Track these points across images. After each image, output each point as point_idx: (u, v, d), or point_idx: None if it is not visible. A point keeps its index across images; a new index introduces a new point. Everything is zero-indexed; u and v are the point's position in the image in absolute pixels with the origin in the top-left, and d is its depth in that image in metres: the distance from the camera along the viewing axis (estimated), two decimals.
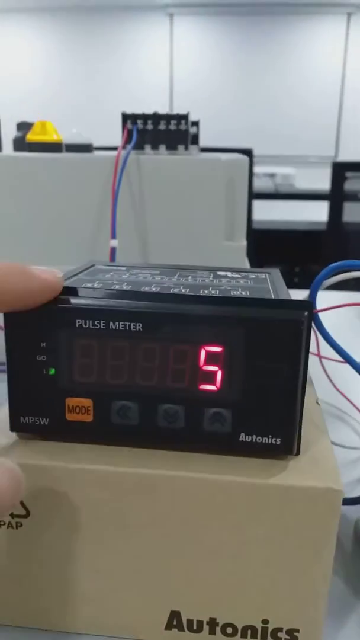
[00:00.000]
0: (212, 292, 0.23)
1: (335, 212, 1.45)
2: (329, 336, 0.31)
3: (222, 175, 0.47)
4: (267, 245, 1.77)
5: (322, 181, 1.94)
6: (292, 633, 0.21)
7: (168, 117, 0.51)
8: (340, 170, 1.42)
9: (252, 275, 0.28)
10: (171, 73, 3.32)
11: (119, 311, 0.20)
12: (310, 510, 0.19)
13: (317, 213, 1.69)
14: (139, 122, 0.50)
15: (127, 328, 0.20)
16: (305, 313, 0.19)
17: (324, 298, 0.30)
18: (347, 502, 0.30)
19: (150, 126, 0.50)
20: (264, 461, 0.21)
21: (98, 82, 3.34)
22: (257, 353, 0.20)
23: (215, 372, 0.20)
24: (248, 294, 0.23)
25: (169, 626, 0.22)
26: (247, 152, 1.36)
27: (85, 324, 0.20)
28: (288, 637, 0.21)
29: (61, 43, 3.32)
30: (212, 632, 0.22)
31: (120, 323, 0.20)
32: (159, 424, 0.21)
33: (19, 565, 0.21)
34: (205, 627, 0.22)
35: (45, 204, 0.48)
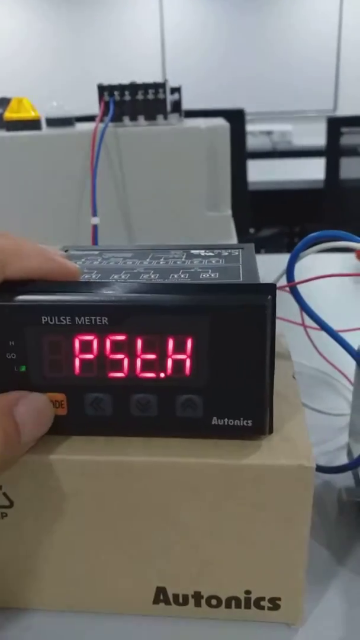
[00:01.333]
0: (182, 276, 0.23)
1: (332, 169, 1.42)
2: (306, 306, 0.31)
3: (203, 144, 0.46)
4: (265, 206, 1.74)
5: (321, 136, 1.90)
6: (274, 601, 0.22)
7: (145, 87, 0.49)
8: (336, 126, 1.38)
9: (225, 253, 0.28)
10: (162, 29, 3.20)
11: (84, 306, 0.20)
12: (283, 488, 0.20)
13: (315, 170, 1.66)
14: (116, 93, 0.49)
15: (93, 322, 0.20)
16: (269, 297, 0.19)
17: (319, 262, 0.30)
18: (332, 470, 0.31)
19: (127, 97, 0.49)
20: (238, 442, 0.21)
21: (86, 49, 3.23)
22: (223, 339, 0.20)
23: (183, 360, 0.20)
24: (217, 275, 0.23)
25: (156, 601, 0.23)
26: (239, 112, 1.33)
27: (52, 321, 0.20)
28: (271, 605, 0.22)
29: (46, 12, 3.20)
30: (197, 604, 0.23)
31: (86, 318, 0.20)
32: (133, 414, 0.21)
33: (7, 551, 0.22)
34: (191, 600, 0.23)
35: (25, 182, 0.47)
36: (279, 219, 1.90)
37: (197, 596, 0.22)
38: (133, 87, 0.49)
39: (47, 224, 0.47)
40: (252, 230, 1.75)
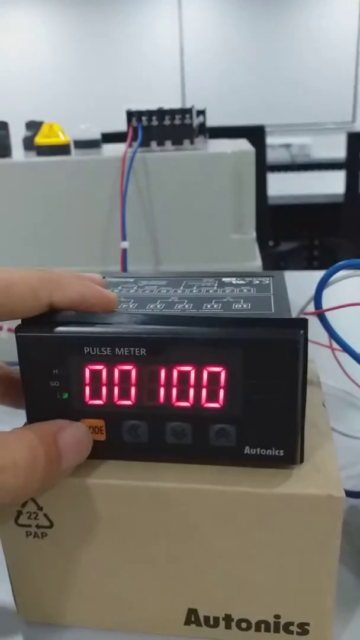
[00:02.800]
0: (215, 306, 0.24)
1: (353, 183, 1.42)
2: (334, 333, 0.31)
3: (229, 168, 0.47)
4: (284, 221, 1.75)
5: (340, 149, 1.90)
6: (303, 626, 0.23)
7: (172, 112, 0.51)
8: (356, 140, 1.38)
9: (256, 282, 0.28)
10: (181, 41, 3.24)
11: (124, 338, 0.21)
12: (313, 517, 0.20)
13: (335, 184, 1.66)
14: (144, 118, 0.51)
15: (132, 353, 0.21)
16: (301, 332, 0.20)
17: (349, 285, 0.30)
18: (359, 495, 0.31)
19: (155, 122, 0.51)
20: (269, 470, 0.22)
21: (106, 65, 3.29)
22: (257, 371, 0.21)
23: (217, 390, 0.21)
24: (249, 306, 0.24)
25: (187, 622, 0.23)
26: (259, 129, 1.34)
27: (93, 351, 0.21)
28: (300, 630, 0.23)
29: (69, 29, 3.27)
30: (228, 626, 0.23)
31: (125, 349, 0.21)
32: (168, 441, 0.22)
33: (45, 570, 0.23)
34: (222, 623, 0.23)
35: (55, 207, 0.49)
36: (298, 232, 1.90)
37: (228, 619, 0.23)
38: (160, 113, 0.50)
39: (76, 248, 0.49)
40: (271, 243, 1.76)
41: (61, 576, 0.23)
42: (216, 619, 0.23)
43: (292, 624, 0.23)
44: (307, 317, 0.31)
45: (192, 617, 0.23)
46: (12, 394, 0.25)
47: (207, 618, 0.23)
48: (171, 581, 0.23)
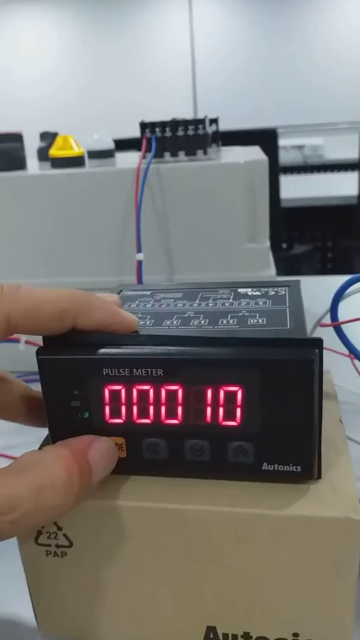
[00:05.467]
0: (231, 321, 0.24)
1: None
2: (351, 345, 0.31)
3: (242, 178, 0.47)
4: (297, 223, 1.74)
5: (353, 148, 1.88)
6: None
7: (186, 123, 0.51)
8: None
9: (272, 292, 0.28)
10: (192, 43, 3.25)
11: (141, 359, 0.21)
12: (331, 538, 0.20)
13: (348, 185, 1.65)
14: (157, 130, 0.51)
15: (150, 373, 0.21)
16: (316, 351, 0.20)
17: (355, 301, 0.30)
18: None
19: (168, 133, 0.51)
20: (286, 487, 0.22)
21: (117, 68, 3.30)
22: (273, 390, 0.21)
23: (234, 409, 0.21)
24: (264, 321, 0.24)
25: (206, 639, 0.24)
26: (271, 132, 1.34)
27: (112, 372, 0.21)
28: None
29: (79, 34, 3.30)
30: None
31: (143, 370, 0.21)
32: (187, 458, 0.22)
33: (65, 587, 0.24)
34: None
35: (70, 218, 0.49)
36: (311, 234, 1.89)
37: (247, 637, 0.23)
38: (174, 124, 0.51)
39: (91, 259, 0.49)
40: (284, 246, 1.76)
41: (80, 593, 0.24)
42: (235, 637, 0.23)
43: None
44: (324, 327, 0.31)
45: (210, 634, 0.23)
46: (34, 413, 0.25)
47: (225, 636, 0.23)
48: (190, 599, 0.23)
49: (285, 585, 0.22)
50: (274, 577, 0.22)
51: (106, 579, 0.23)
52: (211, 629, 0.23)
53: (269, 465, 0.22)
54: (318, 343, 0.21)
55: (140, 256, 0.44)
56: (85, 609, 0.24)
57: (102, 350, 0.21)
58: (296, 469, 0.22)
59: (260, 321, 0.24)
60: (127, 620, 0.24)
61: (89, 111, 3.21)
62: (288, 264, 1.65)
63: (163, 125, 0.50)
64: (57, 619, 0.25)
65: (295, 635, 0.23)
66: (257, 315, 0.25)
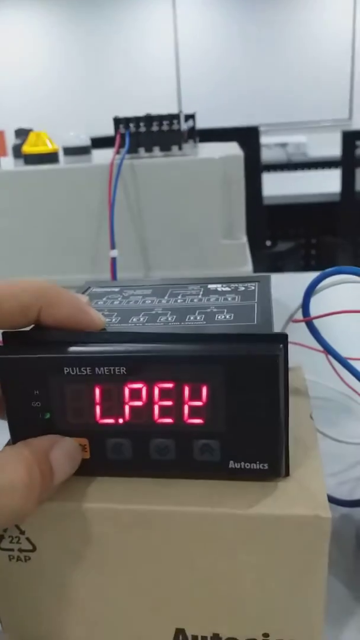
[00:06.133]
0: (198, 317, 0.24)
1: (348, 182, 1.41)
2: (322, 340, 0.31)
3: (217, 173, 0.46)
4: (281, 220, 1.75)
5: (336, 146, 1.89)
6: None
7: (160, 118, 0.51)
8: (351, 138, 1.38)
9: (242, 288, 0.28)
10: (176, 44, 3.24)
11: (103, 357, 0.21)
12: (300, 537, 0.20)
13: (331, 183, 1.66)
14: (132, 125, 0.50)
15: (112, 372, 0.21)
16: (280, 346, 0.20)
17: (341, 290, 0.30)
18: (351, 503, 0.31)
19: (143, 129, 0.50)
20: (254, 485, 0.21)
21: (101, 65, 3.28)
22: (238, 386, 0.20)
23: (199, 407, 0.21)
24: (232, 317, 0.24)
25: None
26: (253, 130, 1.34)
27: (73, 371, 0.21)
28: None
29: (62, 26, 3.27)
30: None
31: (105, 368, 0.21)
32: (152, 457, 0.22)
33: (30, 592, 0.23)
34: None
35: (44, 215, 0.48)
36: (295, 232, 1.90)
37: (216, 638, 0.23)
38: (148, 119, 0.50)
39: (65, 256, 0.49)
40: (268, 243, 1.76)
41: (46, 598, 0.23)
42: (204, 639, 0.23)
43: None
44: (297, 323, 0.31)
45: (179, 637, 0.23)
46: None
47: (195, 637, 0.23)
48: (158, 602, 0.22)
49: (254, 585, 0.21)
50: (242, 577, 0.21)
51: (71, 583, 0.23)
52: (180, 631, 0.23)
53: (236, 464, 0.21)
54: (282, 338, 0.20)
55: (114, 253, 0.44)
56: (51, 613, 0.23)
57: (63, 349, 0.21)
58: (263, 466, 0.21)
59: (227, 317, 0.24)
60: (94, 624, 0.23)
61: (74, 109, 3.19)
62: (272, 261, 1.65)
63: (137, 120, 0.50)
64: (22, 623, 0.24)
65: (266, 635, 0.22)
66: (225, 311, 0.24)
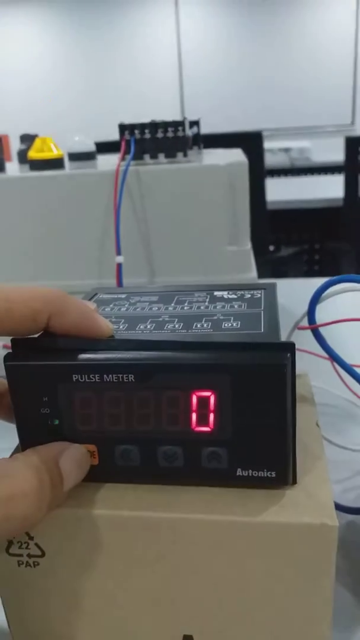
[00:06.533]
0: (205, 325, 0.24)
1: (351, 188, 1.42)
2: (328, 348, 0.31)
3: (222, 180, 0.47)
4: (285, 226, 1.75)
5: (340, 152, 1.90)
6: None
7: (165, 125, 0.51)
8: (354, 144, 1.38)
9: (247, 295, 0.28)
10: (179, 49, 3.25)
11: (112, 365, 0.21)
12: (307, 545, 0.20)
13: (335, 188, 1.66)
14: (137, 132, 0.51)
15: (121, 379, 0.21)
16: (288, 355, 0.20)
17: (341, 301, 0.30)
18: (358, 511, 0.31)
19: (148, 135, 0.51)
20: (261, 493, 0.21)
21: (104, 70, 3.30)
22: (245, 395, 0.20)
23: (207, 415, 0.21)
24: (239, 325, 0.24)
25: None
26: (257, 135, 1.34)
27: (82, 379, 0.21)
28: None
29: (65, 31, 3.29)
30: None
31: (114, 375, 0.21)
32: (160, 464, 0.22)
33: (38, 598, 0.23)
34: None
35: (49, 221, 0.49)
36: (298, 237, 1.90)
37: None
38: (153, 126, 0.50)
39: (70, 262, 0.49)
40: (271, 248, 1.76)
41: (55, 604, 0.23)
42: None
43: None
44: (303, 330, 0.31)
45: None
46: (4, 407, 0.24)
47: None
48: (166, 608, 0.22)
49: (261, 593, 0.21)
50: (249, 584, 0.21)
51: (79, 589, 0.23)
52: (188, 638, 0.23)
53: (243, 471, 0.21)
54: (290, 347, 0.20)
55: (119, 259, 0.44)
56: (59, 619, 0.23)
57: (72, 356, 0.21)
58: (271, 474, 0.21)
59: (234, 325, 0.24)
60: (102, 631, 0.23)
61: (78, 116, 3.20)
62: (275, 267, 1.65)
63: (142, 127, 0.50)
64: (31, 630, 0.24)
65: None
66: (232, 318, 0.24)
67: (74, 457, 0.21)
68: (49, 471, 0.20)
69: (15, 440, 0.23)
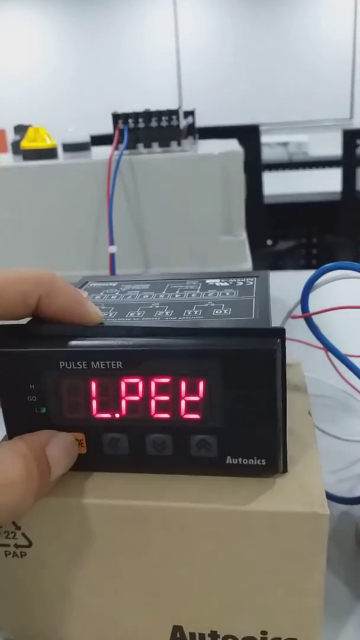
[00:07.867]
0: (195, 312, 0.24)
1: (349, 181, 1.41)
2: (321, 336, 0.31)
3: (216, 169, 0.46)
4: (282, 219, 1.74)
5: (338, 146, 1.89)
6: None
7: (159, 114, 0.50)
8: (351, 138, 1.37)
9: (240, 283, 0.28)
10: (177, 41, 3.23)
11: (99, 351, 0.20)
12: (297, 533, 0.20)
13: (332, 181, 1.65)
14: (130, 121, 0.50)
15: (108, 366, 0.20)
16: (278, 340, 0.20)
17: (339, 286, 0.30)
18: (351, 501, 0.31)
19: (141, 124, 0.50)
20: (251, 481, 0.21)
21: (102, 65, 3.27)
22: (235, 381, 0.20)
23: (196, 402, 0.21)
24: (229, 312, 0.23)
25: (172, 639, 0.23)
26: (254, 128, 1.34)
27: (69, 365, 0.20)
28: None
29: (63, 27, 3.26)
30: None
31: (101, 362, 0.20)
32: (149, 453, 0.21)
33: (26, 588, 0.23)
34: (207, 639, 0.23)
35: (43, 211, 0.48)
36: (296, 231, 1.89)
37: (214, 635, 0.22)
38: (147, 115, 0.50)
39: (64, 252, 0.48)
40: (269, 242, 1.75)
41: (43, 594, 0.23)
42: (202, 636, 0.23)
43: (279, 639, 0.22)
44: (296, 319, 0.31)
45: (177, 634, 0.23)
46: None
47: (192, 635, 0.23)
48: (155, 598, 0.22)
49: (251, 582, 0.21)
50: (239, 574, 0.21)
51: (67, 579, 0.22)
52: (177, 628, 0.23)
53: (233, 459, 0.21)
54: (280, 333, 0.20)
55: (112, 249, 0.43)
56: (47, 609, 0.23)
57: (59, 343, 0.21)
58: (261, 462, 0.21)
59: (225, 312, 0.23)
60: (91, 621, 0.23)
61: (74, 109, 3.18)
62: (273, 261, 1.64)
63: (136, 116, 0.49)
64: (18, 619, 0.24)
65: (264, 633, 0.22)
66: (223, 305, 0.24)
67: (61, 446, 0.21)
68: (37, 459, 0.20)
69: (2, 430, 0.22)
